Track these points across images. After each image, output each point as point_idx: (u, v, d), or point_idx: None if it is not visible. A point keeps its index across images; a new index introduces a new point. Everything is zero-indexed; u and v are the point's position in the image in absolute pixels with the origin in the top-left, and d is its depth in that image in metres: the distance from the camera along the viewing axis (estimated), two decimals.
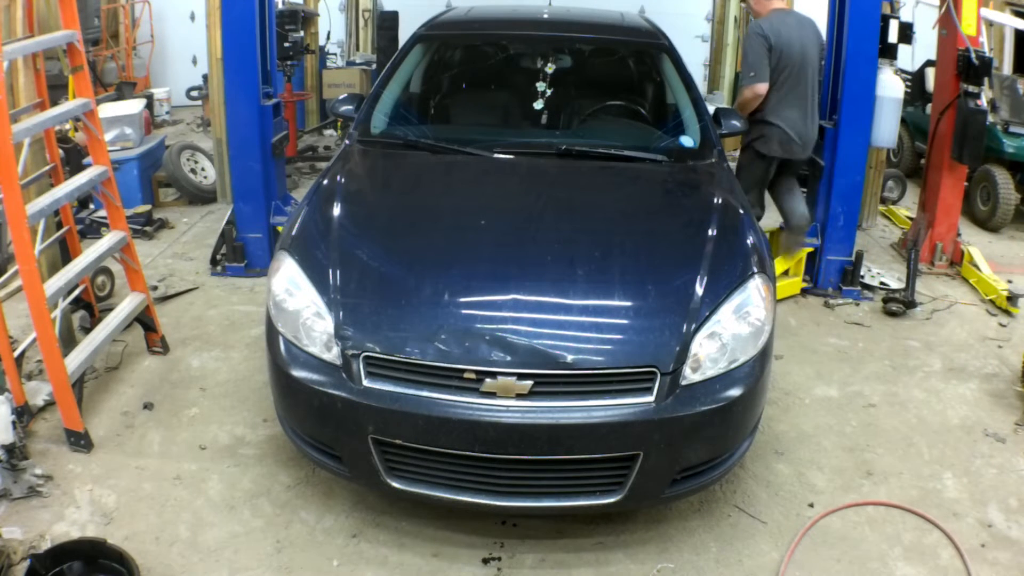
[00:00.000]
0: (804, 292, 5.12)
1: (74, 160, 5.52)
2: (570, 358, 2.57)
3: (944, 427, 3.70)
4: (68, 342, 3.75)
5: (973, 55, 5.14)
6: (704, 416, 2.62)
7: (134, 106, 6.56)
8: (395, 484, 2.67)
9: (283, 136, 5.23)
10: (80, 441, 3.25)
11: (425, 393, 2.57)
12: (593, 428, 2.53)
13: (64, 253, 3.99)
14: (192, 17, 10.17)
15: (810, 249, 5.10)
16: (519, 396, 2.53)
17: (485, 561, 2.78)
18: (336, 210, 3.18)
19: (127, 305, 3.85)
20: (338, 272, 2.83)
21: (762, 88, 4.50)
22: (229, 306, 4.67)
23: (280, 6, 6.88)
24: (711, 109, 4.06)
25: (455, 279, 2.82)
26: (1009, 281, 5.25)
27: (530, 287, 2.79)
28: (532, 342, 2.59)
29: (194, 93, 9.76)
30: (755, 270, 2.92)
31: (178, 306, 4.65)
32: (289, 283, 2.87)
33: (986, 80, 5.36)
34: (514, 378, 2.52)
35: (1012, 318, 4.88)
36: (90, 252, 3.61)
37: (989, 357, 4.38)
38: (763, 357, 2.80)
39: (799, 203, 4.90)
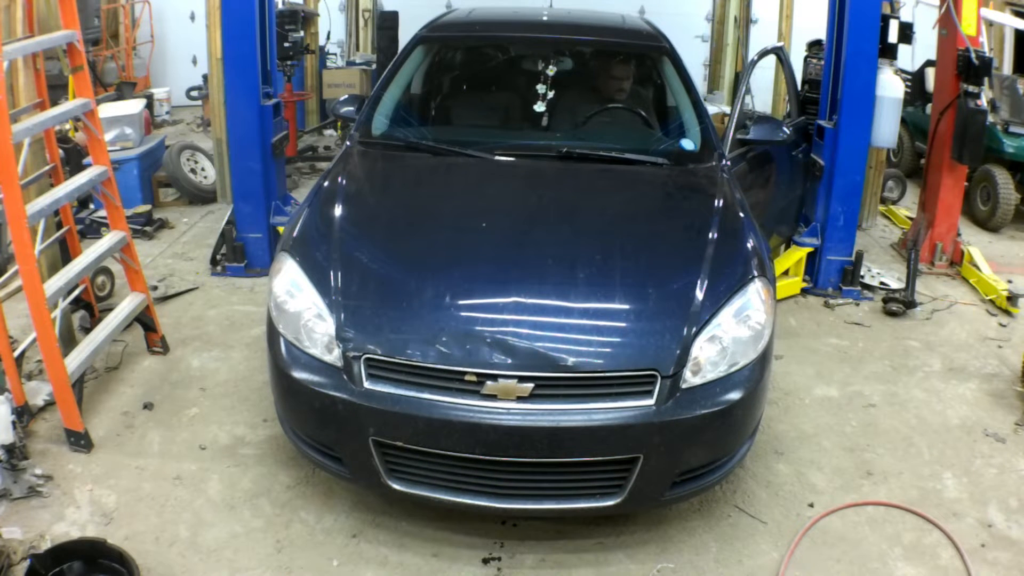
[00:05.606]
0: (804, 292, 5.12)
1: (74, 160, 5.52)
2: (571, 361, 2.57)
3: (944, 427, 3.70)
4: (68, 342, 3.75)
5: (973, 55, 5.14)
6: (704, 419, 2.62)
7: (134, 106, 6.56)
8: (395, 486, 2.67)
9: (283, 136, 5.23)
10: (80, 441, 3.25)
11: (426, 395, 2.57)
12: (593, 431, 2.53)
13: (64, 253, 3.99)
14: (192, 17, 10.16)
15: (810, 249, 5.10)
16: (520, 399, 2.53)
17: (485, 561, 2.79)
18: (337, 212, 3.18)
19: (127, 305, 3.85)
20: (339, 274, 2.83)
21: None
22: (229, 306, 4.67)
23: (280, 6, 6.88)
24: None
25: (456, 281, 2.81)
26: (1009, 281, 5.26)
27: (531, 290, 2.78)
28: (533, 345, 2.59)
29: (194, 93, 9.75)
30: (755, 274, 2.92)
31: (178, 306, 4.65)
32: (290, 284, 2.87)
33: (986, 80, 5.37)
34: (515, 380, 2.52)
35: (1012, 318, 4.89)
36: (90, 252, 3.61)
37: (989, 357, 4.38)
38: (763, 360, 2.80)
39: None
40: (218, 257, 5.18)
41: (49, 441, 3.31)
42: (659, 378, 2.58)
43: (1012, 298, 4.94)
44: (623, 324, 2.75)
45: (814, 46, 5.86)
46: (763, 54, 5.05)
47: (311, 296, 2.79)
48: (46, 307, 3.15)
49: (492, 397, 2.53)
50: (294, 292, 2.84)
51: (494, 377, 2.53)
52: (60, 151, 4.36)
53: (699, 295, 2.76)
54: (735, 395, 2.68)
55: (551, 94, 3.92)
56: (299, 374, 2.72)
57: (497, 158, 3.59)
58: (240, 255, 5.09)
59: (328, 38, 9.50)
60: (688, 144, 3.81)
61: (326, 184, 3.40)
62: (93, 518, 2.91)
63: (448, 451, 2.57)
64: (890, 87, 4.97)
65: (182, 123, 9.47)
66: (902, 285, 5.14)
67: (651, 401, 2.58)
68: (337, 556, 2.79)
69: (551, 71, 3.98)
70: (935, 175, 5.55)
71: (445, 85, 4.51)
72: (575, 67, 4.41)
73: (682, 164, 3.70)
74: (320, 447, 2.80)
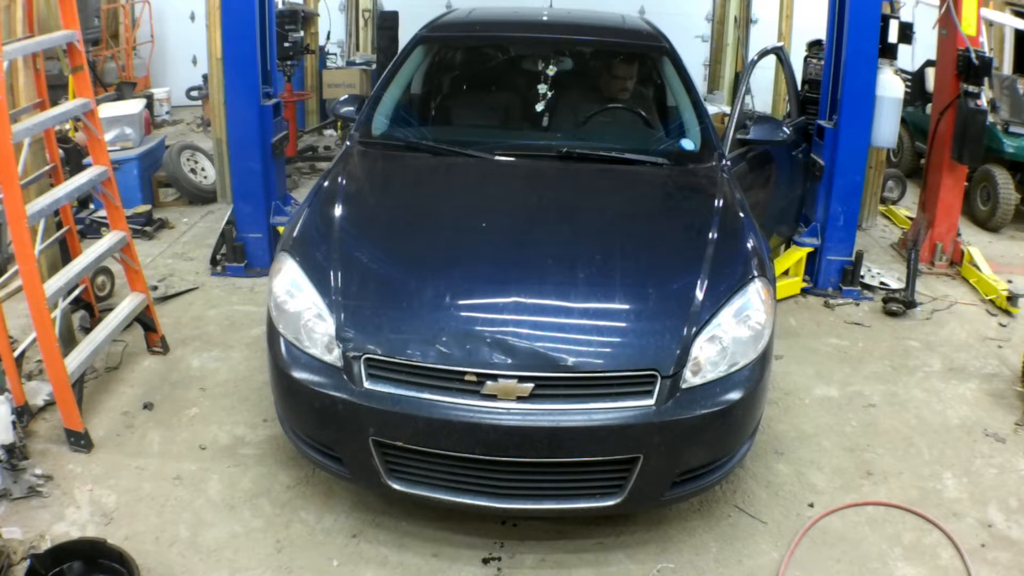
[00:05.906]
0: (804, 292, 5.12)
1: (74, 160, 5.52)
2: (571, 361, 2.57)
3: (944, 427, 3.70)
4: (68, 342, 3.75)
5: (973, 55, 5.14)
6: (704, 419, 2.62)
7: (134, 106, 6.56)
8: (395, 486, 2.67)
9: (283, 136, 5.23)
10: (80, 441, 3.25)
11: (426, 395, 2.57)
12: (593, 431, 2.53)
13: (64, 253, 3.99)
14: (192, 17, 10.16)
15: (810, 249, 5.10)
16: (520, 399, 2.53)
17: (485, 561, 2.79)
18: (337, 212, 3.18)
19: (127, 305, 3.85)
20: (339, 274, 2.83)
21: None
22: (229, 306, 4.67)
23: (280, 6, 6.88)
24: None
25: (456, 281, 2.81)
26: (1009, 281, 5.26)
27: (531, 290, 2.78)
28: (533, 345, 2.59)
29: (194, 93, 9.75)
30: (755, 274, 2.92)
31: (178, 306, 4.65)
32: (290, 284, 2.87)
33: (986, 80, 5.37)
34: (515, 380, 2.53)
35: (1012, 318, 4.89)
36: (90, 252, 3.61)
37: (989, 357, 4.38)
38: (763, 361, 2.80)
39: None
40: (218, 257, 5.18)
41: (49, 441, 3.31)
42: (659, 378, 2.58)
43: (1012, 298, 4.94)
44: (623, 324, 2.75)
45: (814, 46, 5.86)
46: (763, 54, 5.05)
47: (311, 296, 2.79)
48: (46, 307, 3.15)
49: (492, 397, 2.53)
50: (294, 292, 2.84)
51: (494, 377, 2.53)
52: (60, 151, 4.36)
53: (699, 295, 2.77)
54: (735, 395, 2.68)
55: (551, 94, 3.92)
56: (299, 374, 2.72)
57: (497, 158, 3.59)
58: (240, 255, 5.09)
59: (328, 38, 9.50)
60: (688, 144, 3.81)
61: (326, 184, 3.40)
62: (93, 518, 2.91)
63: (448, 451, 2.57)
64: (890, 87, 4.97)
65: (182, 123, 9.47)
66: (902, 285, 5.13)
67: (651, 401, 2.58)
68: (337, 556, 2.79)
69: (551, 71, 3.98)
70: (935, 175, 5.55)
71: (445, 85, 4.51)
72: (575, 67, 4.41)
73: (682, 164, 3.70)
74: (320, 447, 2.80)
